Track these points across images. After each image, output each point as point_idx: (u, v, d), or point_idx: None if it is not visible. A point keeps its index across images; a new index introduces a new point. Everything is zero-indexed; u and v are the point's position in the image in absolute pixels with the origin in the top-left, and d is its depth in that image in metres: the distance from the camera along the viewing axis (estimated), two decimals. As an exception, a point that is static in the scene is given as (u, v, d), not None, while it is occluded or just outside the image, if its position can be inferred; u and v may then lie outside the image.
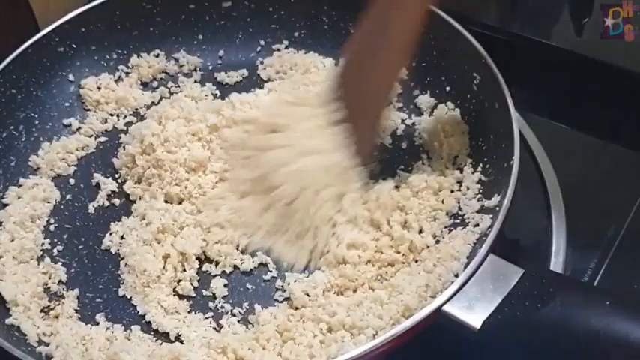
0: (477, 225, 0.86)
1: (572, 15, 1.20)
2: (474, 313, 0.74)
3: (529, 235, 0.99)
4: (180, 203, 0.96)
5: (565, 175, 1.02)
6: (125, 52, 1.14)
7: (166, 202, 0.97)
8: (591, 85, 1.10)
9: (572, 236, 0.95)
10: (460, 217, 0.91)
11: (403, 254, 0.88)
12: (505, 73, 0.94)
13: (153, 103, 1.11)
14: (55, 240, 0.96)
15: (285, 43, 1.16)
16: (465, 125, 1.00)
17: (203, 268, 0.91)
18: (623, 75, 1.09)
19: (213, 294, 0.89)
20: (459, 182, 0.95)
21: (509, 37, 1.16)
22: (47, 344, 0.84)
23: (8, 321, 0.86)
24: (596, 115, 1.11)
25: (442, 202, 0.92)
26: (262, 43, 1.16)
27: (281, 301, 0.88)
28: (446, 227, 0.90)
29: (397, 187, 0.94)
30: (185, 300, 0.89)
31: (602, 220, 0.99)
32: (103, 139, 1.07)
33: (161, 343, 0.84)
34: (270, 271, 0.91)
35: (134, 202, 0.99)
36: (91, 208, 0.99)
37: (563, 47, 1.13)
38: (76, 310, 0.89)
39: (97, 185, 1.02)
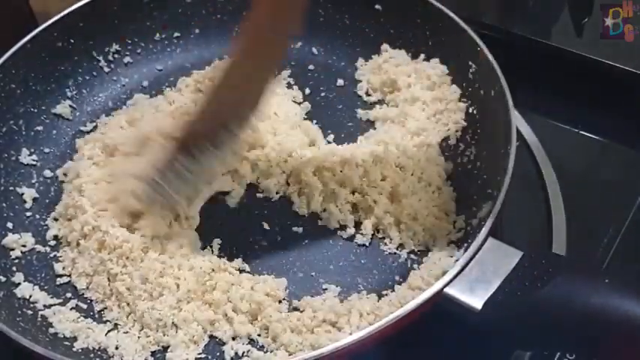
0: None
1: (572, 15, 1.25)
2: (475, 295, 0.80)
3: (528, 236, 1.04)
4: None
5: (565, 175, 1.07)
6: (122, 46, 1.21)
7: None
8: (591, 85, 1.14)
9: (572, 236, 1.00)
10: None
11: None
12: (505, 73, 0.99)
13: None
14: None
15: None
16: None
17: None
18: (623, 75, 1.13)
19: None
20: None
21: (509, 37, 1.21)
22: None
23: None
24: (596, 115, 1.15)
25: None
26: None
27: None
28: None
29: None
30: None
31: (602, 220, 1.03)
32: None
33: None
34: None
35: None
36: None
37: (563, 47, 1.18)
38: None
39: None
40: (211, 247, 0.99)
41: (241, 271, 0.96)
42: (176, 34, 1.23)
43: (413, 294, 0.88)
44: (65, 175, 1.07)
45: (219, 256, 0.97)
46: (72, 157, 1.11)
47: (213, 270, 0.95)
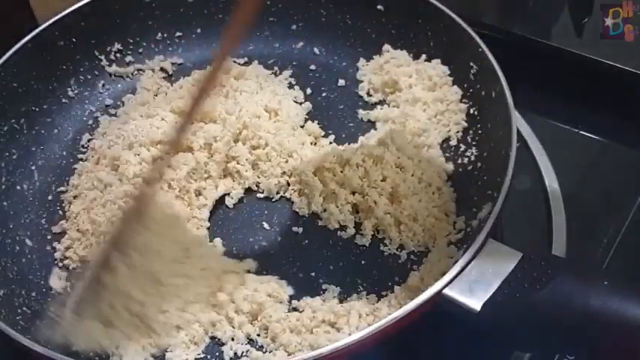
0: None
1: (572, 15, 1.25)
2: (474, 296, 0.80)
3: (528, 237, 1.04)
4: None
5: (565, 175, 1.07)
6: (124, 45, 1.21)
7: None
8: (591, 85, 1.14)
9: (572, 236, 0.99)
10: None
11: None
12: (505, 73, 1.00)
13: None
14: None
15: (283, 35, 1.23)
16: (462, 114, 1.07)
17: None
18: (623, 75, 1.13)
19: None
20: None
21: (509, 37, 1.21)
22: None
23: None
24: (596, 115, 1.15)
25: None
26: (260, 36, 1.23)
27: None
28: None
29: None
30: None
31: (602, 220, 1.03)
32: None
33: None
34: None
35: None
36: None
37: (563, 47, 1.17)
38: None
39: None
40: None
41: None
42: (178, 34, 1.23)
43: (412, 295, 0.87)
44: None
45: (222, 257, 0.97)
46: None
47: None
